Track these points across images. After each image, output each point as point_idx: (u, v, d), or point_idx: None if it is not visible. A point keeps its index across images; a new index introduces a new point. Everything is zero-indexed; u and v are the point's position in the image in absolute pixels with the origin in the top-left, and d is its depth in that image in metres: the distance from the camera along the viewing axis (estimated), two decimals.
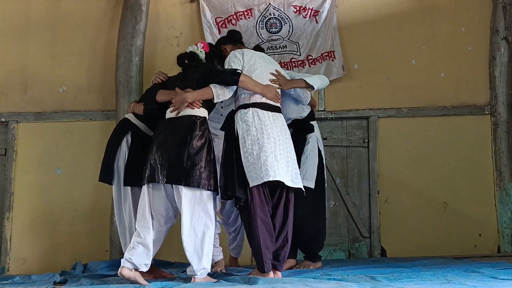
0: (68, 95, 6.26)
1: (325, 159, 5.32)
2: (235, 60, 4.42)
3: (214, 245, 4.77)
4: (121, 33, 6.12)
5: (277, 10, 6.38)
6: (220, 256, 4.89)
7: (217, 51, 4.70)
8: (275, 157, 4.18)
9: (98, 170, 4.83)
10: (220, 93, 4.26)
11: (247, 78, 4.29)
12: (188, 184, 4.04)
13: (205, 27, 6.31)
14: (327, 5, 6.36)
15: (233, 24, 6.30)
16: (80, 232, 6.06)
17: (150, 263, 4.22)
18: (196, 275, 4.05)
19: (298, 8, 6.39)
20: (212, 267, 4.68)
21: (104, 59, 6.27)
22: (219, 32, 6.22)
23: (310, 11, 6.38)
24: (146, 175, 4.16)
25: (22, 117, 6.21)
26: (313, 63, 6.30)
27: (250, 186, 4.15)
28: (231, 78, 4.23)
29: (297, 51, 6.34)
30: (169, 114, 4.31)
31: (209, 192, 4.12)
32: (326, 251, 6.08)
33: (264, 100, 4.35)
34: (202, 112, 4.27)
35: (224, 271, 4.79)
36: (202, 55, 4.48)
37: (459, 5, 6.42)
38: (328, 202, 5.92)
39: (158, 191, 4.20)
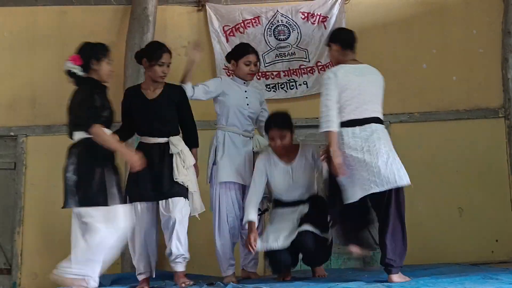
0: None
1: None
2: (330, 85, 4.22)
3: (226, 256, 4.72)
4: (129, 44, 6.11)
5: (285, 17, 6.33)
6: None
7: (92, 55, 4.32)
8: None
9: None
10: None
11: (99, 133, 3.99)
12: (81, 204, 3.96)
13: (213, 36, 6.29)
14: (335, 11, 6.31)
15: (241, 32, 6.27)
16: None
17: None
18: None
19: (306, 14, 6.34)
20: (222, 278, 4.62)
21: None
22: (227, 41, 6.19)
23: (318, 17, 6.33)
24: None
25: (31, 130, 6.20)
26: (323, 69, 6.23)
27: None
28: (87, 129, 4.01)
29: (306, 58, 6.29)
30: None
31: (93, 207, 3.98)
32: (340, 259, 6.00)
33: (352, 116, 4.22)
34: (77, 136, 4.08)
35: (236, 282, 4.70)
36: (78, 69, 4.25)
37: (469, 7, 6.36)
38: None
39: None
